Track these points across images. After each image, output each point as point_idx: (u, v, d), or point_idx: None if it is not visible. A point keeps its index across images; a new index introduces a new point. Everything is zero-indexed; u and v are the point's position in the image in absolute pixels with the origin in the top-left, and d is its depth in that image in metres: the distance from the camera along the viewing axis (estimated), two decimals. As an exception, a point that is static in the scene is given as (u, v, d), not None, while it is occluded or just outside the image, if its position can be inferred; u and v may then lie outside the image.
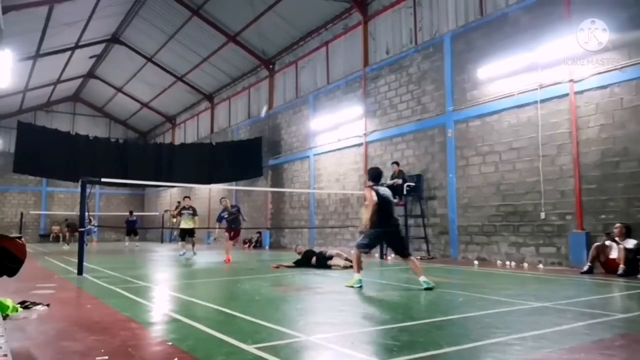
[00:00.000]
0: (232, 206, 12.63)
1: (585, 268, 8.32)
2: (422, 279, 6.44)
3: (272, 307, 5.25)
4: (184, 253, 14.14)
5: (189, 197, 15.22)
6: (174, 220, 24.24)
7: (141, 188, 33.21)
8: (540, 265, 9.65)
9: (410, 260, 6.65)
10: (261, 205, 20.66)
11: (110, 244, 25.10)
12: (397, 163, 12.76)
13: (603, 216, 8.90)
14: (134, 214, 23.36)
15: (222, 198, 13.05)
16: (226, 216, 12.27)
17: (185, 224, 14.52)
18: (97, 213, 29.57)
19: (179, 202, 25.84)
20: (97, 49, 24.33)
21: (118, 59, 25.17)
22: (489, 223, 10.97)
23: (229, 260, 11.59)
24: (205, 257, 14.42)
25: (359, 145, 15.08)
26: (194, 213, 14.66)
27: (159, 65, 24.39)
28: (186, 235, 14.73)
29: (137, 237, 22.55)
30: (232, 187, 21.63)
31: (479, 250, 11.16)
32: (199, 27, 19.97)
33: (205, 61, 22.44)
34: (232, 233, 12.23)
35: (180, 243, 15.07)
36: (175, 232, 14.09)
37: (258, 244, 19.91)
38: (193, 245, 14.77)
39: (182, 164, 19.90)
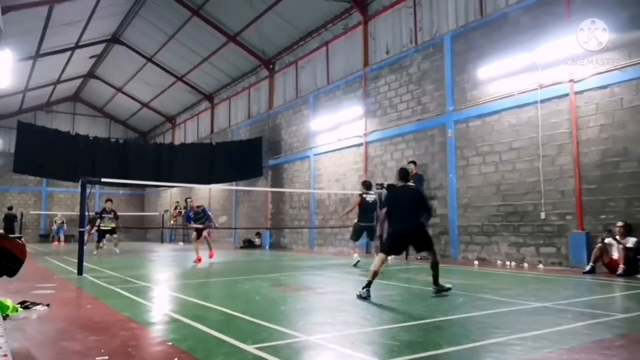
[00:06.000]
0: (198, 206, 12.78)
1: (588, 268, 8.33)
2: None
3: (272, 307, 5.25)
4: (118, 252, 14.79)
5: (110, 201, 15.63)
6: (172, 221, 24.31)
7: (141, 188, 33.18)
8: (540, 265, 9.64)
9: None
10: (261, 205, 20.66)
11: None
12: (414, 162, 12.58)
13: (603, 216, 8.90)
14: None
15: (188, 198, 13.27)
16: (192, 215, 12.49)
17: (107, 225, 15.08)
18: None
19: (177, 203, 25.95)
20: (97, 49, 24.32)
21: (118, 59, 25.17)
22: (489, 223, 10.97)
23: (199, 259, 11.82)
24: (206, 257, 14.40)
25: (359, 145, 15.08)
26: (116, 217, 15.33)
27: (159, 65, 24.38)
28: (106, 234, 15.34)
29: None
30: (232, 187, 21.63)
31: (479, 250, 11.15)
32: (199, 27, 19.97)
33: (205, 61, 22.44)
34: (200, 232, 12.42)
35: (99, 243, 15.39)
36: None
37: (250, 244, 19.84)
38: (116, 244, 15.45)
39: (182, 164, 19.88)
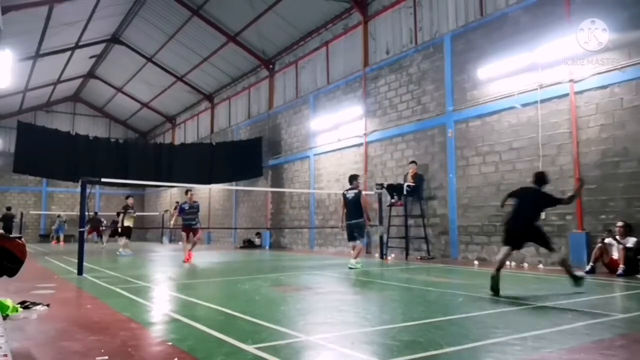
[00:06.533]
0: (194, 201, 12.70)
1: (588, 268, 8.33)
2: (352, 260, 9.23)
3: (272, 307, 5.25)
4: (131, 253, 14.74)
5: (132, 197, 16.12)
6: (172, 222, 24.34)
7: (141, 188, 33.20)
8: (540, 265, 9.65)
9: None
10: (261, 205, 20.67)
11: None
12: (415, 162, 12.63)
13: (603, 216, 8.90)
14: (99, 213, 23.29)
15: (189, 190, 13.14)
16: (187, 208, 12.43)
17: (130, 222, 15.28)
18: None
19: (177, 203, 25.96)
20: (97, 49, 24.33)
21: (118, 59, 25.18)
22: (489, 223, 10.97)
23: (188, 259, 11.86)
24: (206, 257, 14.42)
25: (359, 145, 15.08)
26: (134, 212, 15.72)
27: (159, 65, 24.39)
28: (127, 234, 15.48)
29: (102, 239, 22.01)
30: (232, 187, 21.63)
31: (479, 250, 11.15)
32: (199, 27, 19.98)
33: (205, 61, 22.45)
34: (189, 232, 12.42)
35: (124, 242, 15.49)
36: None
37: (250, 244, 19.89)
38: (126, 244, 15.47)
39: (182, 164, 19.88)
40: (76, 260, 8.80)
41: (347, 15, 16.05)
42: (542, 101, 10.00)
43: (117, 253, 14.71)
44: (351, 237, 10.08)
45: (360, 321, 4.48)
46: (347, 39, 16.21)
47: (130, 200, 15.62)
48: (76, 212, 21.69)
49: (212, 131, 25.78)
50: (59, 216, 26.53)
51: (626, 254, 7.88)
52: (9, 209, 23.27)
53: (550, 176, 9.67)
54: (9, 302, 4.65)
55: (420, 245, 12.55)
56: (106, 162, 17.95)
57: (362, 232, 10.02)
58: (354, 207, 9.93)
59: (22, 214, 27.50)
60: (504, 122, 10.78)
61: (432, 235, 12.40)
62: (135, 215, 15.56)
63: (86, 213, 9.65)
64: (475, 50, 11.49)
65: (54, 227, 26.75)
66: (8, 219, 21.96)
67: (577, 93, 9.44)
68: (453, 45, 12.13)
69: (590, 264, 8.35)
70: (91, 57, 25.33)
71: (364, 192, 10.26)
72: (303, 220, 17.73)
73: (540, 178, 6.67)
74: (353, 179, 10.23)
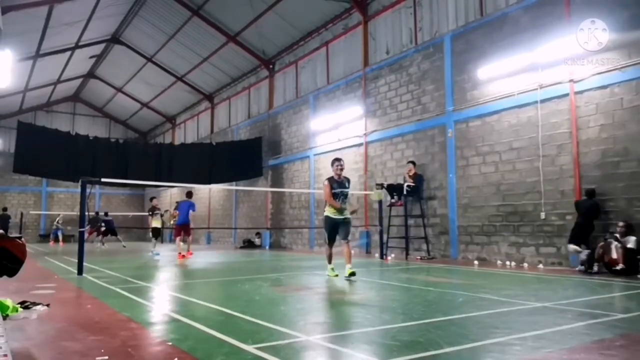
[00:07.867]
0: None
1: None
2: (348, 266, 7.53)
3: (272, 307, 5.24)
4: (159, 253, 14.76)
5: (155, 198, 16.31)
6: (172, 221, 24.33)
7: (141, 188, 33.22)
8: (540, 265, 9.65)
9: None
10: (261, 205, 20.66)
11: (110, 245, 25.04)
12: (413, 162, 12.66)
13: (603, 216, 8.89)
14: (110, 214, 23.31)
15: (190, 192, 13.85)
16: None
17: (158, 223, 15.36)
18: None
19: (177, 203, 25.94)
20: (97, 49, 24.34)
21: (118, 59, 25.18)
22: (489, 223, 10.97)
23: (185, 256, 12.59)
24: (206, 257, 14.43)
25: (359, 145, 15.08)
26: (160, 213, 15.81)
27: (159, 65, 24.39)
28: (158, 234, 15.70)
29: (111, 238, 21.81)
30: (232, 187, 21.64)
31: (479, 250, 11.15)
32: (199, 27, 19.98)
33: (205, 61, 22.45)
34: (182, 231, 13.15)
35: (153, 242, 15.61)
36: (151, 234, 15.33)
37: (250, 244, 19.89)
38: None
39: (182, 164, 19.90)
40: (76, 260, 8.80)
41: (347, 15, 16.05)
42: (542, 101, 10.00)
43: (150, 254, 14.64)
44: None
45: (360, 321, 4.48)
46: (347, 39, 16.20)
47: (155, 202, 15.77)
48: (76, 212, 21.70)
49: (212, 131, 25.78)
50: (57, 221, 26.43)
51: (626, 254, 7.88)
52: (4, 209, 23.33)
53: (550, 176, 9.79)
54: (9, 302, 4.64)
55: (420, 245, 12.55)
56: (106, 162, 17.97)
57: (327, 231, 8.12)
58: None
59: (22, 214, 27.49)
60: (504, 122, 10.78)
61: (432, 235, 12.40)
62: (163, 213, 15.77)
63: (86, 213, 9.63)
64: (475, 50, 11.48)
65: (54, 228, 26.79)
66: (4, 219, 22.03)
67: (577, 93, 9.44)
68: (453, 45, 12.13)
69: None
70: (91, 57, 25.33)
71: (326, 182, 8.17)
72: (303, 220, 17.72)
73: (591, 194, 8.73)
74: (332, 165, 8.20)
